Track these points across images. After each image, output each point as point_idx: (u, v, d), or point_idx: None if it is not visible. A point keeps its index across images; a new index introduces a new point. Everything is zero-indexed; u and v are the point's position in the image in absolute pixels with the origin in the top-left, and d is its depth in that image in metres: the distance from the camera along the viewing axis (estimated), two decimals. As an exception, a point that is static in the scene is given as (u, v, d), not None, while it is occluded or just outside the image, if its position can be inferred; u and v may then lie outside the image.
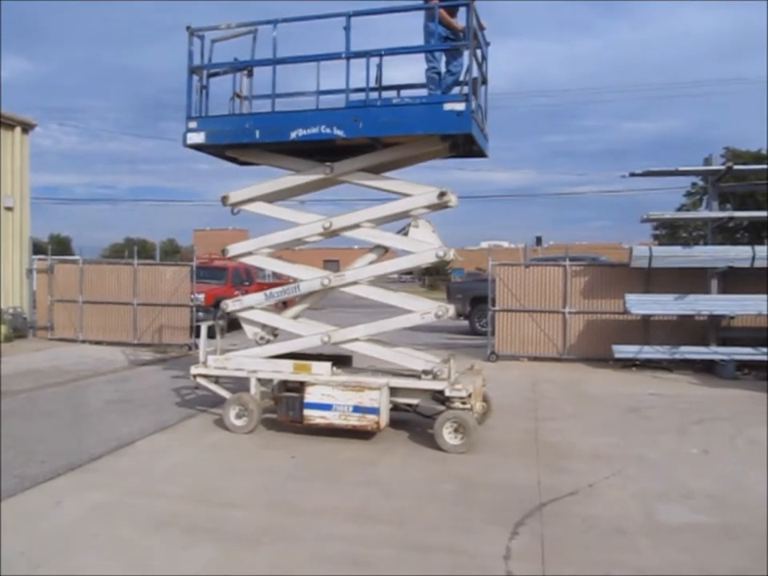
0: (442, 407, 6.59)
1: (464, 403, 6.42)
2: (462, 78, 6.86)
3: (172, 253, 55.76)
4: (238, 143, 7.20)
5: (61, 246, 45.27)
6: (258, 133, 6.90)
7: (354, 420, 6.39)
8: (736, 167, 12.22)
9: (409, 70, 7.55)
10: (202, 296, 15.23)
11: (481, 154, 7.45)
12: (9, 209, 15.18)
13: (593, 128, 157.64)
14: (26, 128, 15.89)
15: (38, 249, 17.80)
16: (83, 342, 14.58)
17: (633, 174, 12.47)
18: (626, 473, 5.74)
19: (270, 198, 7.45)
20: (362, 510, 4.80)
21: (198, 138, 7.16)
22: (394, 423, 6.91)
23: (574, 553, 4.11)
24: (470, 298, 16.95)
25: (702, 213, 15.16)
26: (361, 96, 6.76)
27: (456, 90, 6.91)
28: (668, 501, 5.06)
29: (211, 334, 7.81)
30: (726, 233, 16.77)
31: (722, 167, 11.97)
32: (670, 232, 28.21)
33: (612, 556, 4.07)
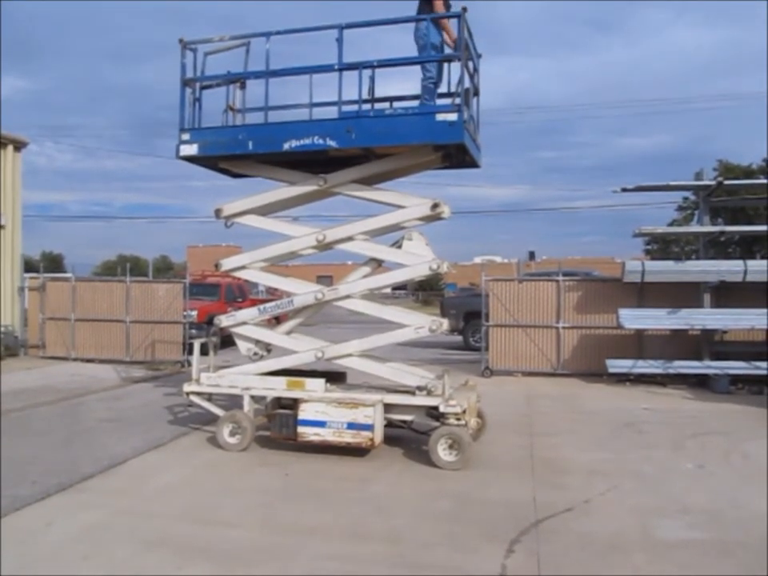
0: (436, 423, 6.56)
1: (459, 419, 6.39)
2: (454, 89, 6.91)
3: (165, 270, 55.69)
4: (231, 154, 7.21)
5: (53, 264, 45.17)
6: (251, 144, 6.91)
7: (348, 437, 6.35)
8: (727, 182, 12.31)
9: (401, 86, 7.62)
10: (194, 313, 15.17)
11: (473, 164, 7.48)
12: (1, 227, 15.13)
13: (586, 144, 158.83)
14: (18, 146, 15.92)
15: (29, 267, 17.75)
16: (75, 359, 14.51)
17: (625, 189, 12.57)
18: (621, 488, 5.72)
19: (264, 210, 7.45)
20: (357, 528, 4.76)
21: (190, 149, 7.17)
22: (389, 440, 6.87)
23: (570, 570, 4.08)
24: (464, 313, 16.96)
25: (694, 227, 15.27)
26: (354, 107, 6.79)
27: (448, 100, 6.96)
28: (664, 516, 5.04)
29: (204, 351, 7.78)
30: (717, 247, 16.86)
31: (713, 182, 12.07)
32: (662, 246, 28.37)
33: (608, 573, 4.04)
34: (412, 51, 6.95)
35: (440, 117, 6.37)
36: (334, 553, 4.33)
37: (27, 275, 16.10)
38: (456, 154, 7.02)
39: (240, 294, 19.12)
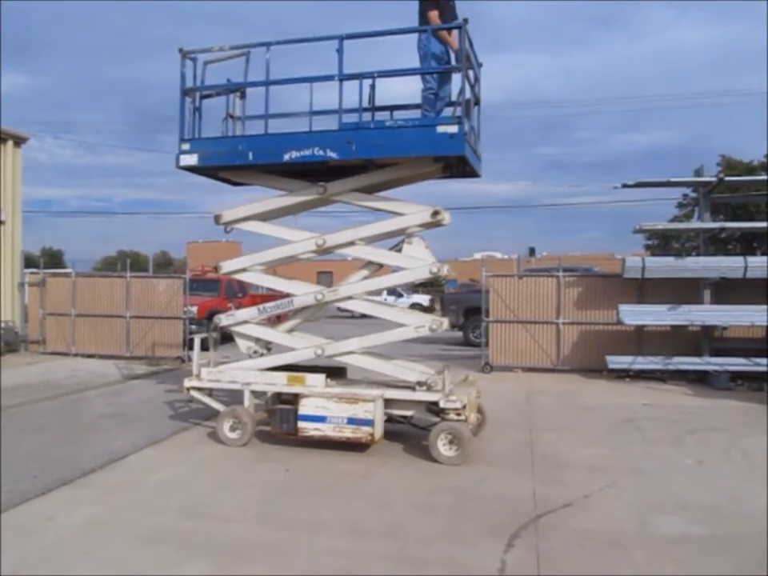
0: (436, 419, 6.58)
1: (459, 414, 6.41)
2: (454, 99, 6.90)
3: (165, 265, 55.61)
4: (232, 165, 7.21)
5: (53, 260, 45.17)
6: (251, 155, 6.90)
7: (348, 432, 6.37)
8: (728, 178, 12.30)
9: (403, 83, 7.59)
10: (195, 308, 15.18)
11: (474, 174, 7.48)
12: (1, 222, 15.13)
13: (586, 140, 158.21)
14: (18, 141, 15.91)
15: (30, 262, 17.75)
16: (75, 355, 14.53)
17: (625, 185, 12.55)
18: (620, 484, 5.73)
19: (264, 216, 7.46)
20: (357, 524, 4.77)
21: (191, 159, 7.17)
22: (389, 435, 6.88)
23: (569, 565, 4.09)
24: (464, 308, 16.98)
25: (695, 224, 15.24)
26: (354, 116, 6.78)
27: (449, 111, 6.94)
28: (663, 512, 5.05)
29: (204, 347, 7.80)
30: (718, 244, 16.86)
31: (714, 178, 12.05)
32: (663, 243, 28.39)
33: (607, 569, 4.05)
34: (414, 48, 6.92)
35: (441, 129, 6.34)
36: (335, 548, 4.34)
37: (27, 271, 16.10)
38: (456, 165, 7.01)
39: (240, 290, 19.11)
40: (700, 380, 11.33)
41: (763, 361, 10.91)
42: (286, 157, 6.75)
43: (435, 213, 6.76)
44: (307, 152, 6.68)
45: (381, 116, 7.39)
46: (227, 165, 7.24)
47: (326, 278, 48.55)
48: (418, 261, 6.88)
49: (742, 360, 11.19)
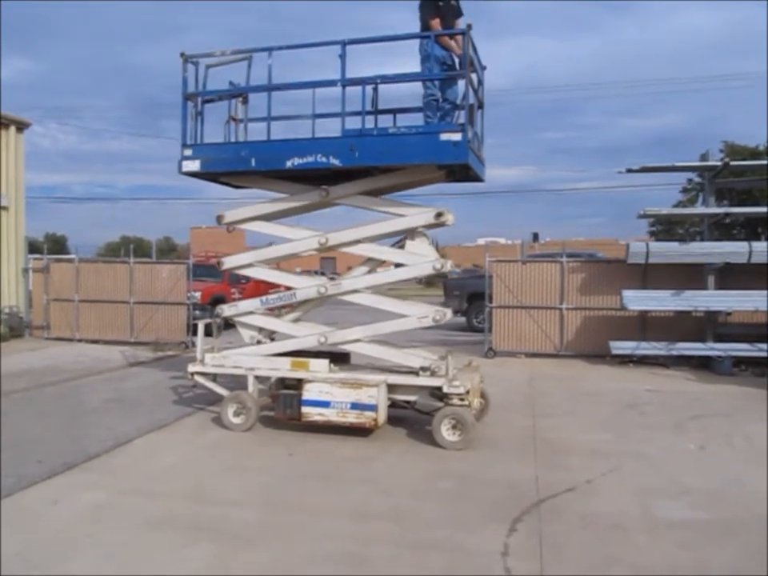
0: (440, 404, 6.59)
1: (462, 400, 6.42)
2: (458, 103, 6.86)
3: (168, 251, 55.58)
4: (234, 171, 7.20)
5: (56, 245, 45.14)
6: (253, 161, 6.89)
7: (351, 417, 6.39)
8: (733, 163, 12.19)
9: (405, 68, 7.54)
10: (198, 294, 15.18)
11: (477, 179, 7.44)
12: (4, 208, 15.13)
13: (592, 125, 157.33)
14: (21, 127, 15.85)
15: (33, 248, 17.75)
16: (79, 341, 14.56)
17: (629, 170, 12.47)
18: (623, 469, 5.74)
19: (265, 218, 7.46)
20: (360, 508, 4.80)
21: (193, 165, 7.15)
22: (392, 420, 6.90)
23: (571, 549, 4.11)
24: (468, 294, 16.94)
25: (699, 209, 15.16)
26: (357, 118, 6.75)
27: (455, 115, 6.90)
28: (665, 497, 5.07)
29: (208, 332, 7.81)
30: (722, 229, 16.72)
31: (719, 163, 11.95)
32: (667, 228, 28.20)
33: (610, 553, 4.07)
34: (417, 46, 6.86)
35: (444, 136, 6.29)
36: (338, 532, 4.37)
37: (31, 256, 16.11)
38: (459, 171, 6.98)
39: (244, 276, 19.07)
40: (703, 365, 11.31)
41: (766, 346, 10.89)
42: (289, 164, 6.74)
43: (439, 214, 6.74)
44: (310, 159, 6.66)
45: (384, 119, 7.41)
46: (230, 171, 7.24)
47: (329, 264, 48.52)
48: (421, 257, 6.88)
49: (745, 345, 11.16)
